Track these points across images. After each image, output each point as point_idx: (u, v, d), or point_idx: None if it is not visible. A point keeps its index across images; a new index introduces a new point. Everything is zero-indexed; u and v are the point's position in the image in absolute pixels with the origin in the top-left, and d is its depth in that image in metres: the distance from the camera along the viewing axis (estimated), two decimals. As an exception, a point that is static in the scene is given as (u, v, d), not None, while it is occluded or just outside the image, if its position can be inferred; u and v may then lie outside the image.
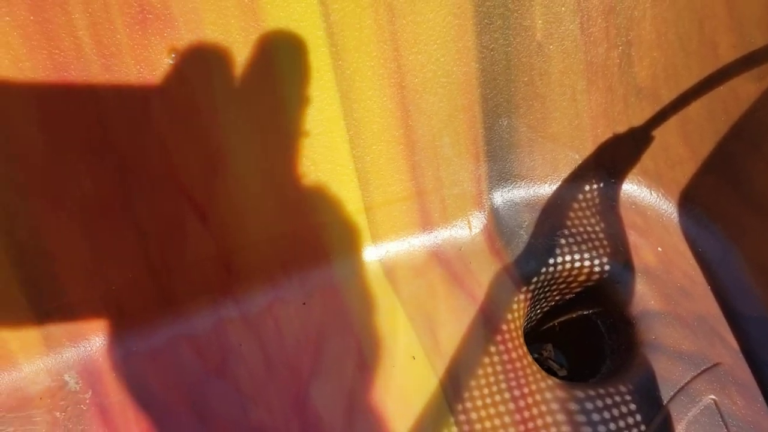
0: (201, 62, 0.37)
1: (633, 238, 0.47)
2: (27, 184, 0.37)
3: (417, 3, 0.38)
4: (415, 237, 0.45)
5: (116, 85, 0.36)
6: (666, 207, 0.49)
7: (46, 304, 0.39)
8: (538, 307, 0.48)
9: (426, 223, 0.45)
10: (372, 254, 0.45)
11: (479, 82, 0.42)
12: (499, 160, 0.46)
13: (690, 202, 0.48)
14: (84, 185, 0.37)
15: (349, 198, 0.43)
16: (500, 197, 0.47)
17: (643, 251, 0.47)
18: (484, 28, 0.41)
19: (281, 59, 0.38)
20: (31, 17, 0.33)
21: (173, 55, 0.36)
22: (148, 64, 0.36)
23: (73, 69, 0.35)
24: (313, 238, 0.43)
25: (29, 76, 0.34)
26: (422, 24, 0.39)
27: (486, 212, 0.46)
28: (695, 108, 0.46)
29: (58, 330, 0.40)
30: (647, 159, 0.49)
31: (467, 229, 0.46)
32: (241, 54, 0.37)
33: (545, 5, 0.41)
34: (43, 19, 0.33)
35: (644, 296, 0.45)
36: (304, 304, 0.43)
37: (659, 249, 0.47)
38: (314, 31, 0.37)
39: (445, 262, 0.45)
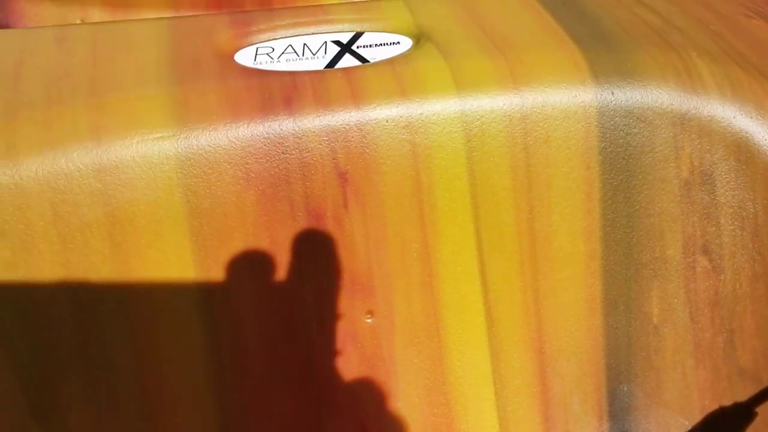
0: (389, 322, 0.47)
1: None
2: (243, 403, 0.46)
3: (557, 291, 0.49)
4: None
5: (326, 332, 0.47)
6: None
7: None
8: None
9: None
10: None
11: (605, 353, 0.51)
12: (619, 420, 0.53)
13: None
14: (286, 411, 0.47)
15: None
16: None
17: None
18: (611, 311, 0.51)
19: (448, 324, 0.49)
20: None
21: (369, 316, 0.47)
22: (350, 321, 0.47)
23: (297, 316, 0.46)
24: None
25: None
26: (560, 306, 0.49)
27: None
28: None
29: None
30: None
31: None
32: (418, 316, 0.48)
33: (661, 297, 0.51)
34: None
35: None
36: None
37: None
38: (474, 305, 0.48)
39: None
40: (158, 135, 0.41)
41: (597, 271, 0.49)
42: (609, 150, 0.47)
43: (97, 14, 0.63)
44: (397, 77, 0.45)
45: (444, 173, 0.45)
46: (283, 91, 0.43)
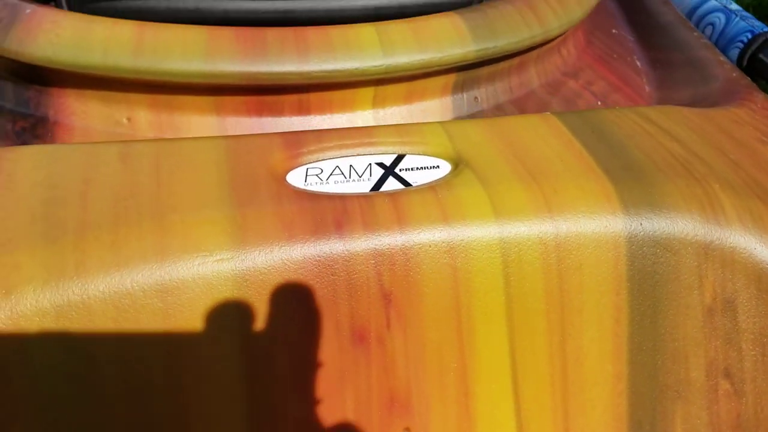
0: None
1: None
2: None
3: (586, 410, 0.51)
4: None
5: None
6: None
7: None
8: None
9: None
10: None
11: None
12: None
13: None
14: None
15: None
16: None
17: None
18: (636, 431, 0.52)
19: None
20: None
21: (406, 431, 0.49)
22: (386, 434, 0.48)
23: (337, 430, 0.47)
24: None
25: None
26: (588, 426, 0.51)
27: None
28: None
29: None
30: None
31: None
32: (450, 417, 0.49)
33: (684, 418, 0.52)
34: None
35: None
36: None
37: None
38: (507, 423, 0.50)
39: None
40: (218, 257, 0.43)
41: (624, 392, 0.51)
42: (637, 277, 0.50)
43: (142, 114, 0.66)
44: (439, 203, 0.48)
45: (482, 297, 0.47)
46: (334, 215, 0.46)
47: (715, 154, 0.57)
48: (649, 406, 0.52)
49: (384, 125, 0.56)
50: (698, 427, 0.53)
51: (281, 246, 0.44)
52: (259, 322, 0.44)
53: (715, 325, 0.52)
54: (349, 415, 0.47)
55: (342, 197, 0.47)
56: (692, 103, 0.79)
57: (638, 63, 0.92)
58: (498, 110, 0.74)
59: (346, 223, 0.46)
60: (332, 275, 0.45)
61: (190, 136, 0.64)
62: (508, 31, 0.69)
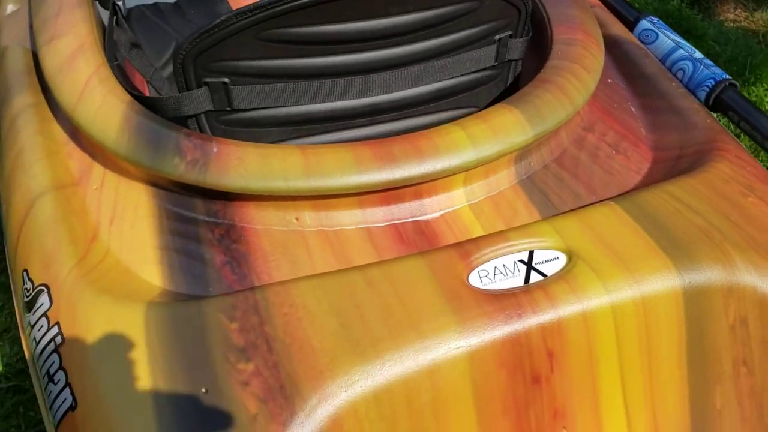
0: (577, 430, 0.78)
1: None
2: None
3: (666, 398, 0.81)
4: None
5: None
6: None
7: None
8: None
9: None
10: None
11: None
12: None
13: None
14: None
15: None
16: None
17: None
18: (695, 406, 0.83)
19: None
20: None
21: (564, 429, 0.78)
22: (549, 433, 0.78)
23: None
24: None
25: None
26: (665, 401, 0.81)
27: None
28: None
29: None
30: None
31: None
32: (588, 420, 0.79)
33: (721, 394, 0.84)
34: None
35: None
36: None
37: None
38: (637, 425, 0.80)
39: None
40: (456, 346, 0.70)
41: (686, 384, 0.82)
42: (690, 315, 0.80)
43: (307, 213, 0.88)
44: (571, 288, 0.76)
45: (604, 347, 0.76)
46: (514, 305, 0.74)
47: (721, 220, 0.86)
48: (701, 390, 0.83)
49: (513, 229, 0.83)
50: (729, 398, 0.84)
51: (489, 331, 0.72)
52: (486, 377, 0.72)
53: (736, 334, 0.82)
54: (533, 424, 0.76)
55: (514, 293, 0.75)
56: (682, 147, 1.08)
57: (633, 109, 1.19)
58: (545, 169, 1.01)
59: (522, 310, 0.74)
60: (518, 344, 0.73)
61: (346, 226, 0.88)
62: (551, 115, 0.96)
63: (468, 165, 0.88)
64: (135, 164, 0.87)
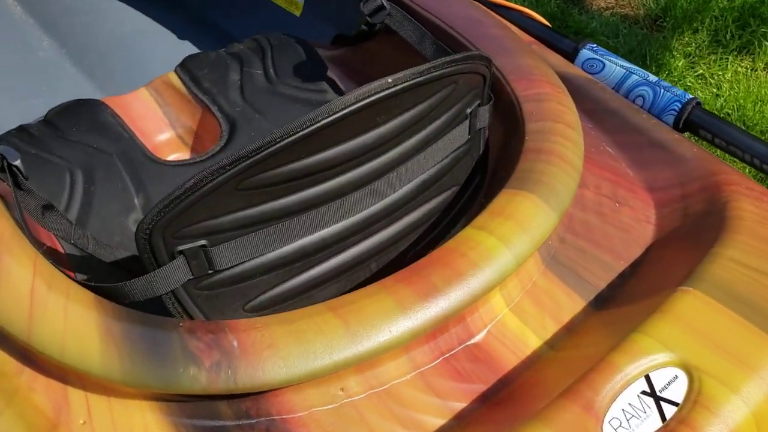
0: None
1: None
2: None
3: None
4: None
5: None
6: None
7: None
8: None
9: None
10: None
11: None
12: None
13: None
14: None
15: None
16: None
17: None
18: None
19: None
20: None
21: None
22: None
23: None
24: None
25: None
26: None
27: None
28: None
29: None
30: None
31: None
32: None
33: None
34: None
35: None
36: None
37: None
38: None
39: None
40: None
41: None
42: None
43: (352, 379, 0.75)
44: (711, 412, 0.69)
45: None
46: None
47: None
48: None
49: (615, 352, 0.75)
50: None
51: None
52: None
53: None
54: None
55: None
56: (681, 183, 1.05)
57: (609, 149, 1.15)
58: (564, 244, 0.95)
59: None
60: None
61: (397, 380, 0.77)
62: (564, 188, 0.90)
63: (509, 271, 0.80)
64: (138, 387, 0.70)
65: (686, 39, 2.13)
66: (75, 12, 1.88)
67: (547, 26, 1.32)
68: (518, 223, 0.83)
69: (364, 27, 1.26)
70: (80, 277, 0.98)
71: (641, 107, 1.23)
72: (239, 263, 0.80)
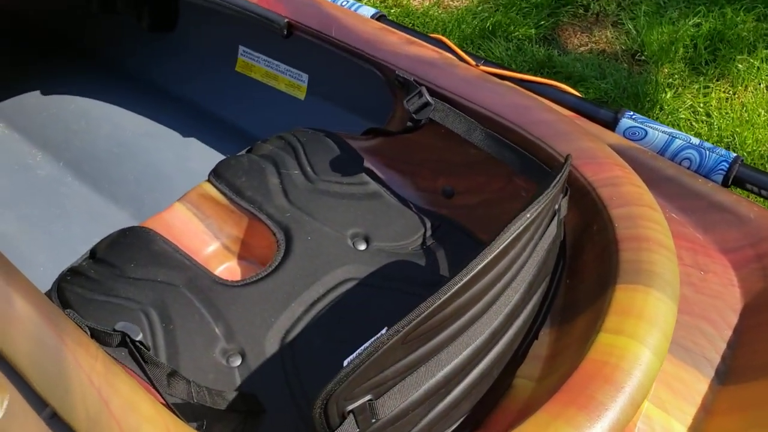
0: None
1: None
2: None
3: None
4: None
5: None
6: None
7: None
8: None
9: None
10: None
11: None
12: None
13: None
14: None
15: None
16: None
17: None
18: None
19: None
20: None
21: None
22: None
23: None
24: None
25: None
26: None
27: None
28: None
29: None
30: None
31: None
32: None
33: None
34: None
35: None
36: None
37: None
38: None
39: None
40: None
41: None
42: None
43: None
44: None
45: None
46: None
47: None
48: None
49: None
50: None
51: None
52: None
53: None
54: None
55: None
56: (752, 244, 1.08)
57: (674, 215, 1.18)
58: None
59: None
60: None
61: None
62: (669, 273, 0.95)
63: (656, 371, 0.82)
64: None
65: (667, 70, 2.21)
66: (62, 120, 1.82)
67: (582, 98, 1.34)
68: (649, 322, 0.85)
69: (409, 124, 1.26)
70: (193, 424, 0.95)
71: (688, 169, 1.26)
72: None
